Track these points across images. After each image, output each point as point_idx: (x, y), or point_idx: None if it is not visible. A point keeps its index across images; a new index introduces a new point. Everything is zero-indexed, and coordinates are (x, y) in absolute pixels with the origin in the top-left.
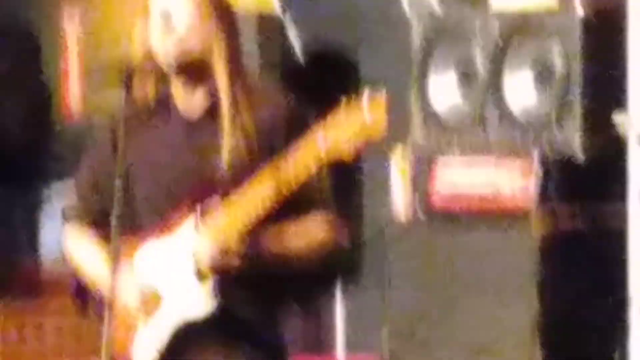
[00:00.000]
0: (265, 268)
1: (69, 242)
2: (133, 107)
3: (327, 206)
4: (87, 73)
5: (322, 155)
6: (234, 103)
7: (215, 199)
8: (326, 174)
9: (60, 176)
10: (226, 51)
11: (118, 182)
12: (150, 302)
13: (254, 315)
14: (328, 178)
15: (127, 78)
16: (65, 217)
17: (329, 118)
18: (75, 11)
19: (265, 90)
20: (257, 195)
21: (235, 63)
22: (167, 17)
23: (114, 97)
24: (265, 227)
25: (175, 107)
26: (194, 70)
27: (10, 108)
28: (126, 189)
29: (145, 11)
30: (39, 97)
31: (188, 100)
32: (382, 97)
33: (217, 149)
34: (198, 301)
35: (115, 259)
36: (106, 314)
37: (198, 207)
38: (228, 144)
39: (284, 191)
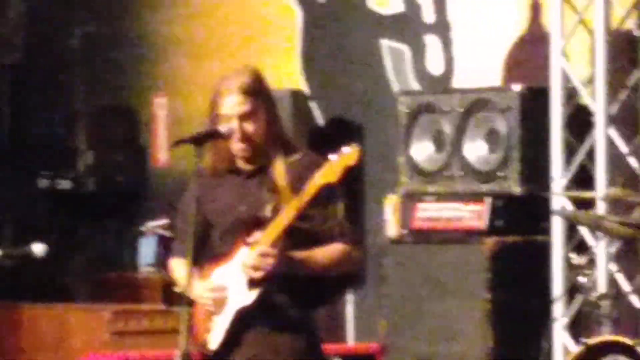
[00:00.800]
0: (296, 274)
1: (173, 269)
2: (210, 167)
3: (342, 236)
4: (170, 138)
5: (318, 186)
6: (281, 163)
7: (256, 231)
8: (342, 215)
9: (152, 208)
10: (274, 125)
11: (190, 227)
12: (221, 303)
13: (292, 304)
14: (345, 219)
15: (201, 143)
16: (172, 253)
17: (323, 167)
18: (162, 99)
19: (300, 153)
20: (283, 218)
21: (280, 132)
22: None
23: (189, 154)
24: (300, 250)
25: (238, 167)
26: (254, 146)
27: (118, 162)
28: (208, 230)
29: (216, 108)
30: (138, 151)
31: (246, 164)
32: (355, 148)
33: (265, 195)
34: (246, 294)
35: (189, 276)
36: (183, 309)
37: (250, 238)
38: (272, 197)
39: (299, 211)
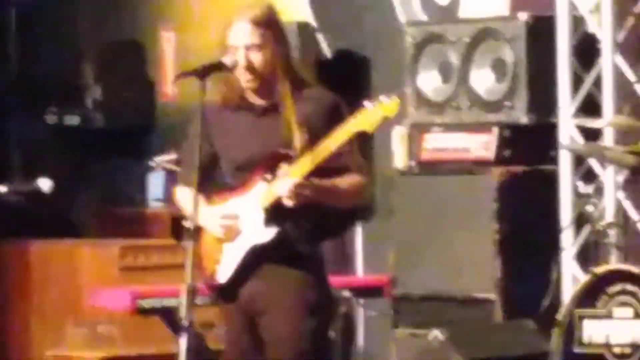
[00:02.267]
0: (314, 205)
1: (178, 197)
2: (221, 100)
3: (358, 169)
4: (177, 70)
5: (353, 133)
6: (291, 100)
7: (282, 165)
8: (356, 148)
9: (160, 142)
10: (283, 61)
11: (193, 153)
12: (232, 233)
13: (302, 239)
14: (357, 151)
15: (205, 75)
16: (178, 181)
17: (359, 112)
18: (170, 33)
19: (310, 88)
20: (310, 158)
21: (290, 68)
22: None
23: (196, 87)
24: (321, 179)
25: (250, 102)
26: (262, 78)
27: (126, 97)
28: (216, 162)
29: (223, 40)
30: (146, 86)
31: (258, 99)
32: (394, 99)
33: (279, 133)
34: (263, 231)
35: (195, 204)
36: (189, 242)
37: (270, 170)
38: (290, 130)
39: (327, 155)
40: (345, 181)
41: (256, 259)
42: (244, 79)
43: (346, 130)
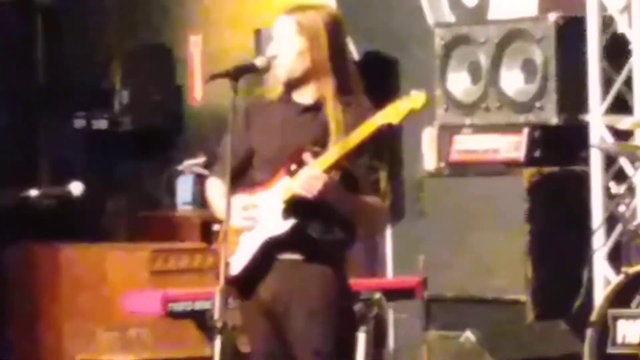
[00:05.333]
0: (335, 208)
1: (208, 187)
2: (263, 96)
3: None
4: (205, 73)
5: (379, 125)
6: (333, 104)
7: (308, 156)
8: (385, 184)
9: (188, 146)
10: (327, 63)
11: (227, 149)
12: (250, 222)
13: (318, 233)
14: (385, 184)
15: (237, 77)
16: (210, 173)
17: (388, 107)
18: (198, 37)
19: (356, 96)
20: (335, 151)
21: (337, 71)
22: (274, 58)
23: (225, 90)
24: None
25: (293, 100)
26: (301, 83)
27: (154, 101)
28: (250, 158)
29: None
30: (173, 90)
31: (302, 97)
32: (422, 93)
33: (314, 132)
34: (281, 224)
35: (228, 200)
36: (223, 242)
37: (296, 162)
38: (326, 132)
39: (352, 148)
40: (370, 199)
41: (271, 251)
42: (278, 78)
43: (372, 122)
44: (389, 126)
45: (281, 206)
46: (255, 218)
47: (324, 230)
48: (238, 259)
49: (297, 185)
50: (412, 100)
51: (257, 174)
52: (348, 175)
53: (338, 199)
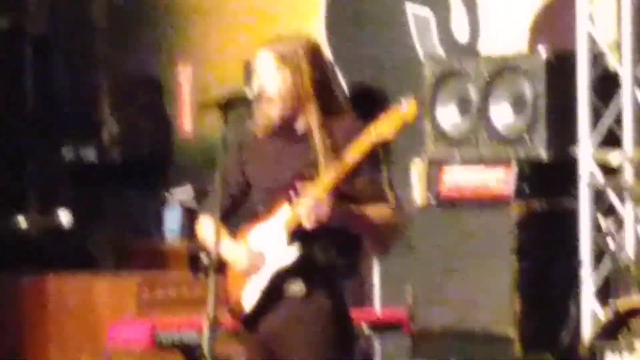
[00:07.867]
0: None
1: (200, 227)
2: (256, 129)
3: (386, 199)
4: (194, 104)
5: (373, 142)
6: (320, 129)
7: (306, 183)
8: (387, 184)
9: (177, 177)
10: (311, 91)
11: (217, 185)
12: (258, 263)
13: (325, 261)
14: (388, 186)
15: (226, 107)
16: (200, 209)
17: (379, 118)
18: (187, 68)
19: (343, 115)
20: (332, 173)
21: (321, 96)
22: (262, 94)
23: (214, 121)
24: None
25: (287, 129)
26: (291, 116)
27: (143, 131)
28: (247, 190)
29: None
30: (162, 121)
31: (295, 125)
32: (411, 99)
33: (309, 159)
34: (287, 254)
35: (217, 236)
36: (211, 274)
37: (294, 190)
38: (319, 156)
39: (349, 167)
40: (376, 208)
41: (277, 283)
42: (267, 110)
43: (366, 139)
44: (384, 142)
45: (285, 237)
46: (261, 260)
47: (328, 256)
48: (249, 297)
49: (300, 214)
50: (404, 112)
51: (257, 207)
52: (346, 193)
53: (348, 219)
